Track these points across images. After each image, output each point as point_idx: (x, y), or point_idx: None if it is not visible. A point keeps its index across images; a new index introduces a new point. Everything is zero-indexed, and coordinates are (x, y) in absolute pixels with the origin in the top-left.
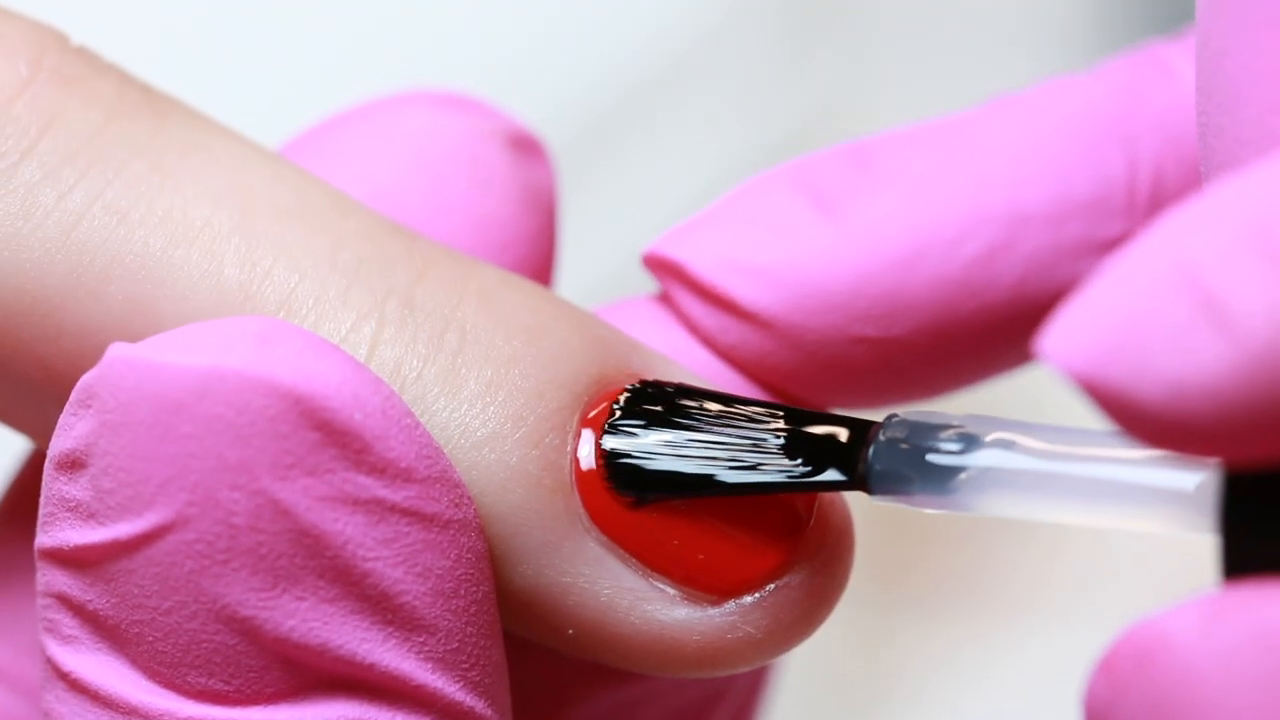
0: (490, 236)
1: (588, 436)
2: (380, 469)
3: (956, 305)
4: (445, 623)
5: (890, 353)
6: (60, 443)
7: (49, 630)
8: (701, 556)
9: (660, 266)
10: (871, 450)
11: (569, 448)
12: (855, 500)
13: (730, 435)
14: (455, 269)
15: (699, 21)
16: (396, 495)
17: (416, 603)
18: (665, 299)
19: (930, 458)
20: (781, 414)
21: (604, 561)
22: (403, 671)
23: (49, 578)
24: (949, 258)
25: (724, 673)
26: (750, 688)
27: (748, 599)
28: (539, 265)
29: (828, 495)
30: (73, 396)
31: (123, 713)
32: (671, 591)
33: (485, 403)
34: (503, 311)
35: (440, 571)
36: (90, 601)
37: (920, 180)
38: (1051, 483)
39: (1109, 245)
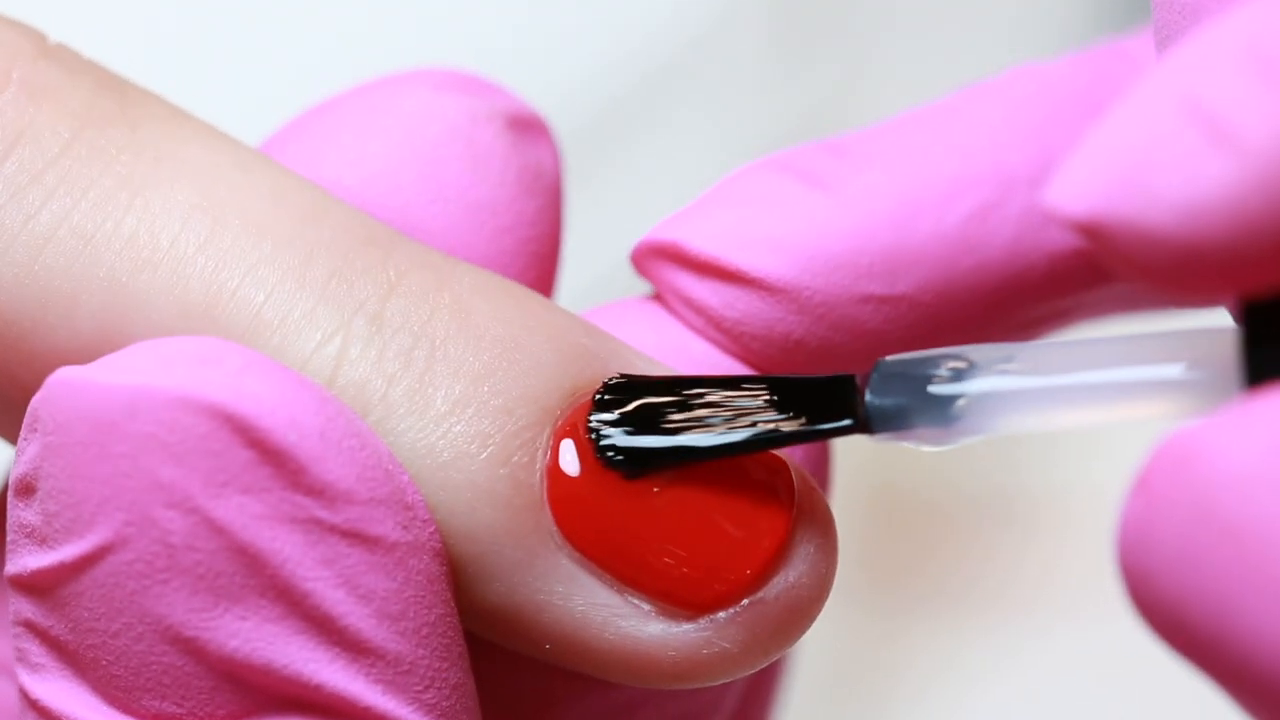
0: (488, 220)
1: (567, 445)
2: (318, 490)
3: (956, 260)
4: (393, 645)
5: (896, 312)
6: (15, 468)
7: (20, 659)
8: (677, 571)
9: (655, 253)
10: (868, 392)
11: (539, 465)
12: (855, 500)
13: (723, 403)
14: (429, 279)
15: (694, 21)
16: (336, 517)
17: (361, 625)
18: (658, 299)
19: (929, 388)
20: (767, 382)
21: (577, 578)
22: (351, 693)
23: (17, 605)
24: (943, 215)
25: (702, 685)
26: (760, 689)
27: (722, 614)
28: (541, 248)
29: (809, 505)
30: (25, 420)
31: None
32: (646, 607)
33: (452, 422)
34: (475, 323)
35: (385, 594)
36: (51, 627)
37: (905, 153)
38: (1047, 395)
39: None
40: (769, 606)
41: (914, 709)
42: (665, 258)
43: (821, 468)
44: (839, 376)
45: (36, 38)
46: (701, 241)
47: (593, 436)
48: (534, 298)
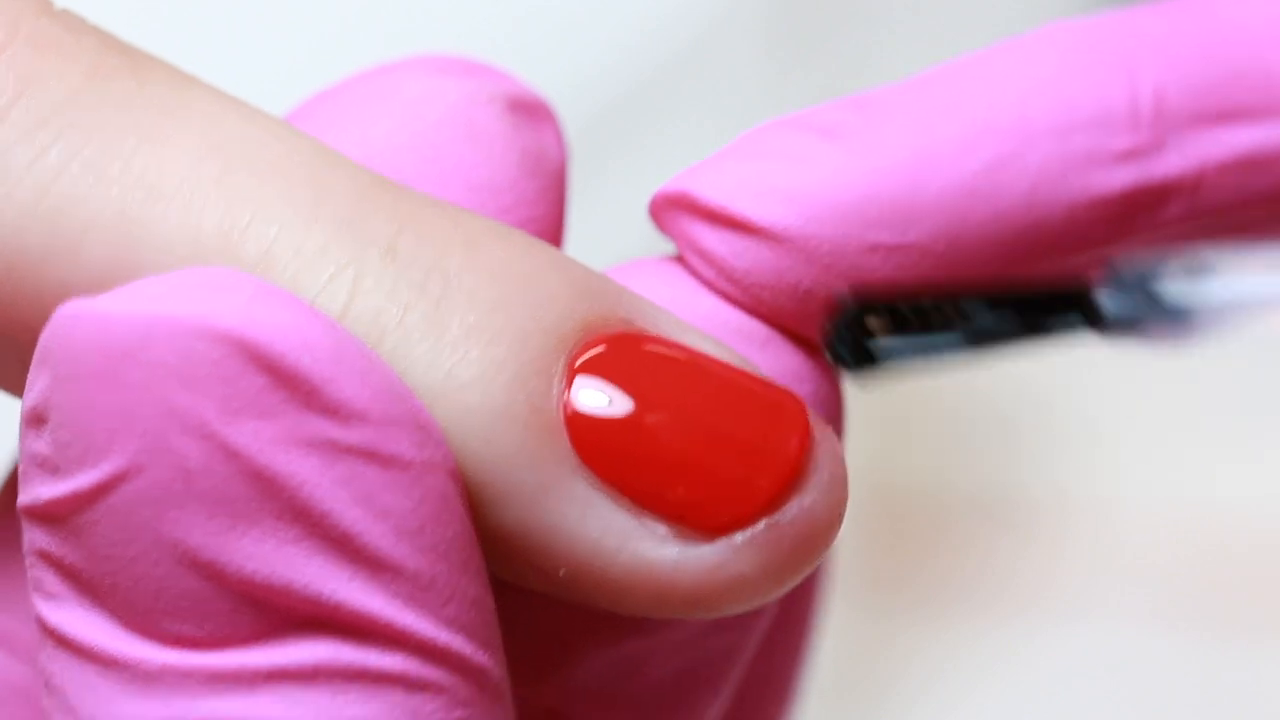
0: (488, 201)
1: (580, 382)
2: (332, 410)
3: (968, 212)
4: (411, 561)
5: (906, 260)
6: (26, 399)
7: (36, 589)
8: (693, 493)
9: (669, 204)
10: (1104, 293)
11: (555, 391)
12: (855, 500)
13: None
14: (441, 219)
15: (693, 21)
16: (351, 436)
17: (379, 542)
18: (677, 259)
19: (1166, 296)
20: (984, 284)
21: (593, 501)
22: (372, 610)
23: (31, 535)
24: (958, 165)
25: (719, 613)
26: (774, 656)
27: (739, 537)
28: (543, 228)
29: (821, 435)
30: (35, 353)
31: (103, 664)
32: (662, 530)
33: (468, 345)
34: (488, 259)
35: (402, 511)
36: (65, 556)
37: (924, 105)
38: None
39: (1119, 157)
40: (785, 529)
41: (913, 709)
42: (678, 207)
43: (835, 420)
44: (1072, 283)
45: (43, 0)
46: (711, 191)
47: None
48: (544, 243)
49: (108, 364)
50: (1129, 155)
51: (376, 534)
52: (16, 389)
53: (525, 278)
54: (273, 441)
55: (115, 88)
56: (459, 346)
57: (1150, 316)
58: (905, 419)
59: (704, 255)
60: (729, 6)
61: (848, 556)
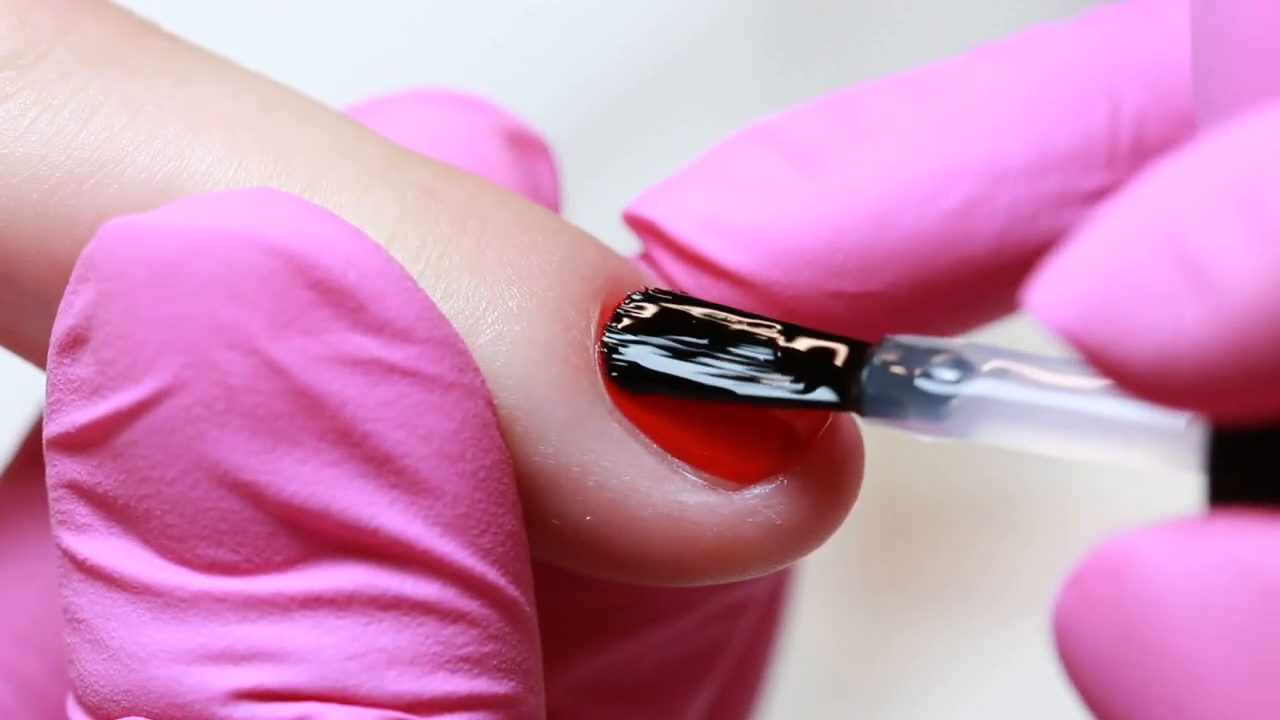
0: None
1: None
2: (377, 328)
3: (935, 258)
4: (451, 486)
5: (869, 306)
6: (62, 323)
7: (62, 522)
8: (723, 441)
9: (639, 226)
10: (865, 373)
11: (592, 329)
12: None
13: (729, 347)
14: (470, 174)
15: (693, 22)
16: (395, 355)
17: (420, 465)
18: (647, 257)
19: (921, 384)
20: (778, 326)
21: (626, 444)
22: (409, 536)
23: (59, 468)
24: (926, 211)
25: (742, 570)
26: (753, 649)
27: (767, 486)
28: None
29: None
30: (74, 274)
31: (136, 592)
32: (693, 477)
33: (510, 279)
34: (520, 209)
35: (444, 434)
36: (99, 484)
37: (899, 133)
38: (1043, 415)
39: (1090, 197)
40: (812, 483)
41: (913, 708)
42: (647, 232)
43: None
44: (850, 341)
45: None
46: (679, 224)
47: (604, 346)
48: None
49: (154, 277)
50: (1100, 194)
51: (417, 457)
52: (19, 343)
53: (556, 230)
54: (318, 359)
55: (150, 42)
56: (500, 280)
57: (909, 408)
58: None
59: (671, 282)
60: (729, 6)
61: (848, 556)
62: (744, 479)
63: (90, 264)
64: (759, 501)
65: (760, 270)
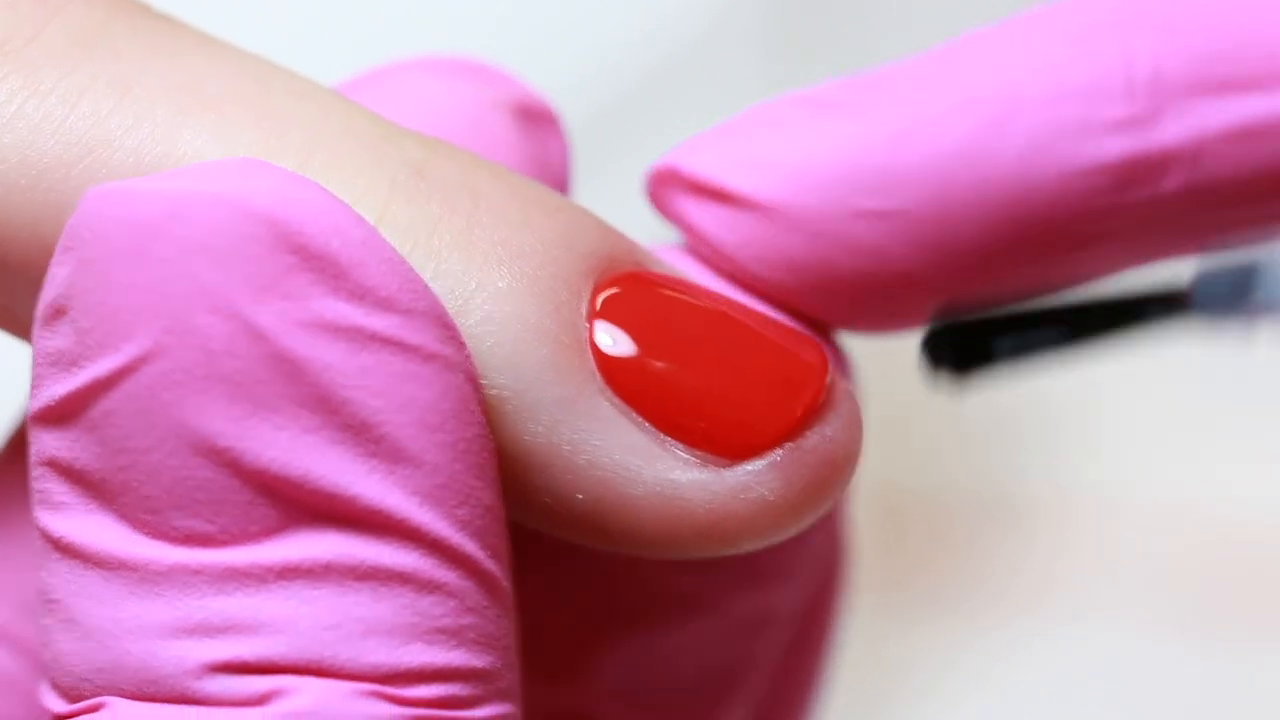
0: None
1: (600, 325)
2: (359, 295)
3: (955, 178)
4: (430, 456)
5: (894, 227)
6: (44, 296)
7: (41, 502)
8: (715, 416)
9: (659, 181)
10: (1198, 281)
11: (584, 309)
12: (856, 500)
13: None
14: (465, 151)
15: (693, 21)
16: (377, 323)
17: (399, 434)
18: (680, 248)
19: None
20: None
21: (617, 422)
22: (387, 505)
23: (39, 445)
24: (943, 132)
25: (735, 545)
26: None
27: (761, 462)
28: None
29: (839, 376)
30: (58, 246)
31: (110, 568)
32: (684, 455)
33: (500, 258)
34: (514, 186)
35: (424, 404)
36: (77, 459)
37: (912, 78)
38: None
39: (1113, 125)
40: (806, 456)
41: (916, 708)
42: (667, 184)
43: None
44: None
45: None
46: (697, 164)
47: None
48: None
49: (135, 240)
50: (1124, 124)
51: (396, 425)
52: (10, 324)
53: (553, 207)
54: (298, 324)
55: (141, 23)
56: (490, 260)
57: (1244, 303)
58: (907, 419)
59: (694, 232)
60: (729, 6)
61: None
62: (737, 455)
63: (73, 233)
64: (751, 477)
65: (781, 194)
